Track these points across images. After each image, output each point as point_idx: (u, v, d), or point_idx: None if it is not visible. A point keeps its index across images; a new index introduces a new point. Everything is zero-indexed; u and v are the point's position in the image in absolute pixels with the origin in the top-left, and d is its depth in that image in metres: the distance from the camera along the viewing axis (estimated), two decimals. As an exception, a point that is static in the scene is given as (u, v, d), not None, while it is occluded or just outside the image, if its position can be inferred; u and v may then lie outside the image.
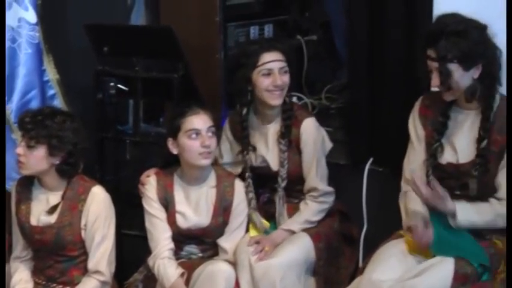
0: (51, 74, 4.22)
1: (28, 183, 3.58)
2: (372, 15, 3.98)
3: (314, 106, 4.77)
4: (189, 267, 3.61)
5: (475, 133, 3.34)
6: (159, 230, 3.64)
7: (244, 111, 3.80)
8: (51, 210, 3.52)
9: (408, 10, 3.85)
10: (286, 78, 3.72)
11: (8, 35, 4.03)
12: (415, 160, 3.45)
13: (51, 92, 4.22)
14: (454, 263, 3.25)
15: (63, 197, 3.52)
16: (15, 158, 3.52)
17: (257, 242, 3.65)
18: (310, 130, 3.74)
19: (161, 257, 3.60)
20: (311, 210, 3.75)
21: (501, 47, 3.33)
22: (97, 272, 3.52)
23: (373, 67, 4.03)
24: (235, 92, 3.79)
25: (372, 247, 3.54)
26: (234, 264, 3.62)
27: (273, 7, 5.04)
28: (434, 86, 3.31)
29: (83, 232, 3.52)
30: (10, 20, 4.04)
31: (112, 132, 4.27)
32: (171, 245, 3.64)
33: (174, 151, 3.64)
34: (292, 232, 3.73)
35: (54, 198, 3.53)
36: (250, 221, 3.76)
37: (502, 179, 3.30)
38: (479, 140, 3.32)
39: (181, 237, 3.68)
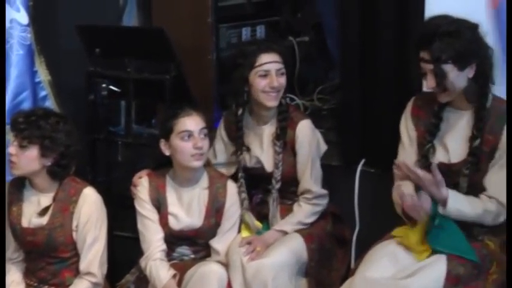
0: (43, 75, 4.22)
1: (19, 184, 3.57)
2: (364, 16, 3.98)
3: (306, 107, 4.77)
4: (181, 268, 3.60)
5: (467, 132, 3.35)
6: (151, 232, 3.64)
7: (240, 111, 3.79)
8: (43, 212, 3.51)
9: (400, 11, 3.86)
10: (282, 80, 3.72)
11: (-1, 36, 4.04)
12: (406, 161, 3.44)
13: (43, 93, 4.22)
14: (447, 263, 3.26)
15: (54, 199, 3.52)
16: (7, 158, 3.52)
17: (249, 243, 3.64)
18: (305, 132, 3.75)
19: (153, 259, 3.59)
20: (304, 212, 3.75)
21: (492, 47, 3.34)
22: (89, 273, 3.51)
23: (365, 68, 4.03)
24: (231, 92, 3.79)
25: (364, 248, 3.54)
26: (226, 265, 3.62)
27: (265, 8, 5.04)
28: (430, 88, 3.31)
29: (74, 234, 3.52)
30: (1, 21, 4.04)
31: (104, 133, 4.27)
32: (163, 247, 3.64)
33: (167, 152, 3.64)
34: (285, 233, 3.73)
35: (46, 199, 3.53)
36: (242, 221, 3.76)
37: (490, 178, 3.31)
38: (472, 139, 3.32)
39: (173, 239, 3.68)
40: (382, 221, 3.61)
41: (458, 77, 3.26)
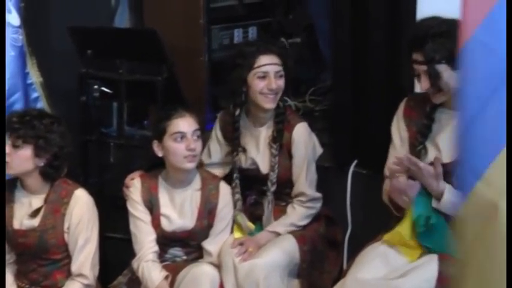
0: (34, 76, 4.20)
1: (11, 186, 3.56)
2: (356, 18, 3.98)
3: (298, 108, 4.76)
4: (173, 269, 3.60)
5: (459, 132, 3.35)
6: (143, 233, 3.63)
7: (237, 112, 3.79)
8: (34, 214, 3.50)
9: (391, 12, 3.86)
10: (281, 82, 3.71)
11: (-10, 37, 4.02)
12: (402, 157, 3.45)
13: (34, 94, 4.20)
14: (439, 264, 3.26)
15: (46, 200, 3.51)
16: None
17: (241, 244, 3.64)
18: (302, 135, 3.74)
19: (145, 260, 3.59)
20: (298, 214, 3.75)
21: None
22: (80, 275, 3.50)
23: (357, 69, 4.04)
24: (229, 92, 3.78)
25: (356, 249, 3.54)
26: (218, 266, 3.61)
27: (256, 10, 5.04)
28: (424, 90, 3.31)
29: (66, 235, 3.51)
30: (-7, 22, 4.03)
31: (96, 134, 4.27)
32: (156, 248, 3.63)
33: (159, 154, 3.63)
34: (277, 234, 3.73)
35: (37, 201, 3.52)
36: (235, 222, 3.76)
37: None
38: None
39: (165, 240, 3.67)
40: (374, 222, 3.61)
41: (452, 77, 3.27)
